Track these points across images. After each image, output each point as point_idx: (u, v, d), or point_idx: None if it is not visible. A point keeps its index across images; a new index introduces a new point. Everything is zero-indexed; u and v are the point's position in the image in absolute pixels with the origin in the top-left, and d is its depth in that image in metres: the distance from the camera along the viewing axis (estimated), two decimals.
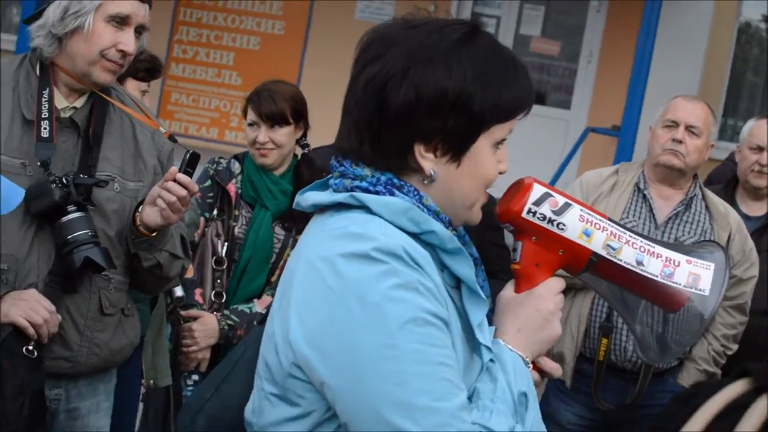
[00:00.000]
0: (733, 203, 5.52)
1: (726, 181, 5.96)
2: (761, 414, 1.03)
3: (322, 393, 2.09)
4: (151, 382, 4.55)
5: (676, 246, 2.47)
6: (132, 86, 4.79)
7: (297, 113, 4.85)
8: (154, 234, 3.61)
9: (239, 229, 4.82)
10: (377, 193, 2.17)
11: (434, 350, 2.04)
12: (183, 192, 3.49)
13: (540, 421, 2.23)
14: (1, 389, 3.30)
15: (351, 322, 2.03)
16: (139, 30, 3.65)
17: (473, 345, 2.19)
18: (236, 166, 4.91)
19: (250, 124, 4.86)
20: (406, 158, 2.18)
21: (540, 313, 2.31)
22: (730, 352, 5.07)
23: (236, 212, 4.83)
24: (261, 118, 4.81)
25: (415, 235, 2.14)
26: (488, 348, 2.20)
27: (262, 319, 2.57)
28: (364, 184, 2.19)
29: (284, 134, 4.82)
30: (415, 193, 2.19)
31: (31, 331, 3.41)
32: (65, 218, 3.48)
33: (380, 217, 2.14)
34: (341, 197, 2.19)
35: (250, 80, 14.00)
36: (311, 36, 14.16)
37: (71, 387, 3.70)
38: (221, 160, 4.94)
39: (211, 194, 4.83)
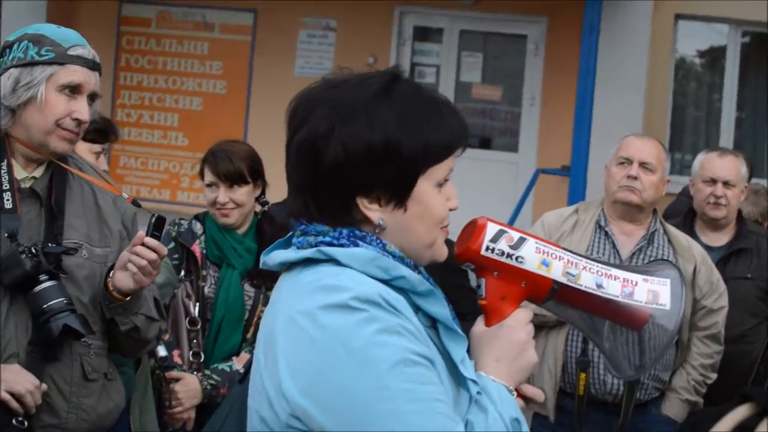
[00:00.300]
0: (693, 235, 5.59)
1: (683, 214, 6.03)
2: None
3: None
4: None
5: (631, 267, 2.60)
6: (83, 149, 4.69)
7: (254, 171, 4.86)
8: (128, 298, 3.61)
9: (208, 288, 4.81)
10: (341, 245, 2.22)
11: (426, 388, 2.10)
12: (153, 255, 3.52)
13: None
14: None
15: (340, 368, 2.08)
16: (92, 97, 3.66)
17: (458, 381, 2.25)
18: (198, 227, 4.91)
19: (208, 185, 4.86)
20: (351, 213, 2.24)
21: (514, 343, 2.37)
22: (710, 381, 5.13)
23: (204, 272, 4.83)
24: (219, 179, 4.81)
25: (385, 282, 2.19)
26: (474, 381, 2.25)
27: (242, 377, 2.62)
28: (327, 238, 2.24)
29: (243, 193, 4.83)
30: (378, 241, 2.24)
31: (14, 404, 3.39)
32: (38, 288, 3.48)
33: (350, 267, 2.18)
34: (308, 253, 2.23)
35: (196, 140, 14.04)
36: (253, 94, 14.18)
37: None
38: (182, 222, 4.93)
39: (176, 256, 4.82)
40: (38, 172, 3.66)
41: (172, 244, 4.82)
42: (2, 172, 3.55)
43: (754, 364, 5.03)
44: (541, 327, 5.05)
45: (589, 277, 2.43)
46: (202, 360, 4.80)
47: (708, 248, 5.45)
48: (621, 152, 5.14)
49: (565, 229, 5.08)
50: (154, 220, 3.58)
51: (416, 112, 2.24)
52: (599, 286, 2.43)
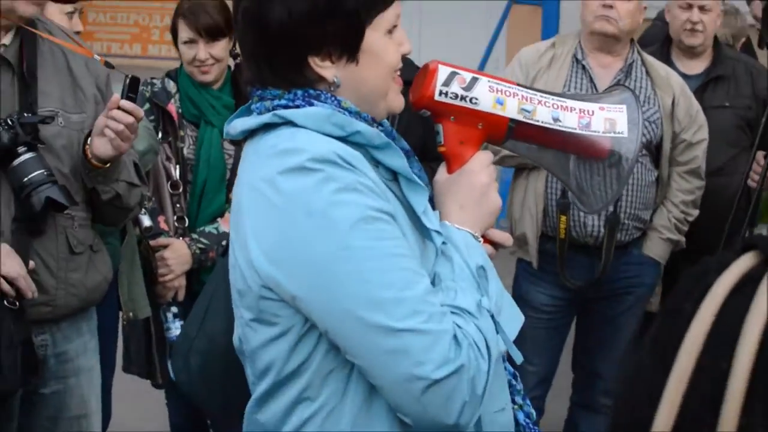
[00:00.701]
0: (669, 63, 5.53)
1: (660, 42, 5.96)
2: None
3: (295, 307, 2.16)
4: (130, 314, 4.49)
5: (586, 96, 2.61)
6: (53, 11, 4.53)
7: (228, 23, 4.69)
8: (107, 165, 3.55)
9: (187, 150, 4.73)
10: (297, 107, 2.23)
11: (388, 243, 2.11)
12: (130, 119, 3.45)
13: (503, 289, 2.31)
14: None
15: (302, 233, 2.10)
16: None
17: (423, 232, 2.26)
18: (171, 85, 4.79)
19: (185, 42, 4.71)
20: (304, 73, 2.24)
21: (476, 188, 2.38)
22: (691, 218, 5.12)
23: (181, 132, 4.74)
24: (200, 34, 4.67)
25: (342, 139, 2.20)
26: (438, 232, 2.26)
27: (224, 250, 2.63)
28: (283, 101, 2.25)
29: (222, 48, 4.70)
30: (333, 98, 2.25)
31: (5, 286, 3.37)
32: (17, 161, 3.43)
33: (306, 128, 2.19)
34: (266, 118, 2.24)
35: None
36: None
37: (55, 331, 3.69)
38: (155, 81, 4.82)
39: (152, 117, 4.70)
40: (7, 39, 3.57)
41: (147, 106, 4.68)
42: None
43: (734, 196, 5.07)
44: (521, 169, 5.05)
45: (545, 111, 2.43)
46: (186, 224, 4.75)
47: (685, 77, 5.37)
48: None
49: (542, 64, 5.02)
50: (128, 81, 3.51)
51: None
52: (555, 119, 2.43)
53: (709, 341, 1.04)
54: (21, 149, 3.43)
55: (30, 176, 3.42)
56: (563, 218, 4.92)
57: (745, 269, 1.09)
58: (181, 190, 4.73)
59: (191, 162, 4.73)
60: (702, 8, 5.65)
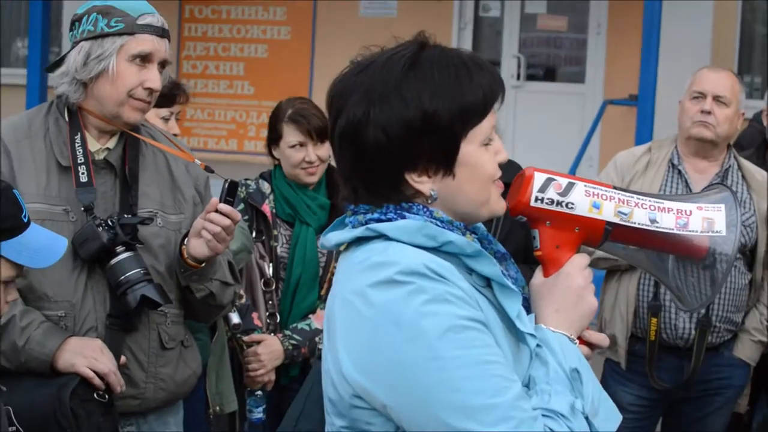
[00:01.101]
0: (766, 166, 5.49)
1: (757, 144, 5.92)
2: None
3: (386, 415, 2.18)
4: (217, 408, 4.58)
5: (684, 197, 2.62)
6: (150, 114, 4.66)
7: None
8: (202, 265, 3.63)
9: (281, 248, 4.83)
10: (390, 220, 2.27)
11: (477, 351, 2.13)
12: (227, 221, 3.53)
13: (600, 389, 2.30)
14: None
15: (393, 344, 2.13)
16: (162, 64, 3.67)
17: (517, 336, 2.27)
18: (266, 186, 4.91)
19: (293, 146, 4.80)
20: (401, 190, 2.28)
21: (572, 290, 2.38)
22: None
23: (275, 232, 4.84)
24: (310, 137, 4.77)
25: (434, 249, 2.23)
26: (532, 335, 2.27)
27: (320, 354, 2.67)
28: (375, 215, 2.29)
29: (327, 149, 4.77)
30: (425, 210, 2.28)
31: (97, 381, 3.44)
32: (115, 260, 3.51)
33: (398, 240, 2.23)
34: (359, 232, 2.28)
35: (262, 88, 14.06)
36: (318, 37, 14.14)
37: (142, 423, 3.75)
38: (249, 182, 4.93)
39: (246, 217, 4.81)
40: (111, 143, 3.68)
41: (242, 206, 4.80)
42: (77, 145, 3.58)
43: None
44: (613, 271, 5.04)
45: (642, 213, 2.43)
46: (278, 320, 4.83)
47: None
48: (694, 86, 5.06)
49: (638, 168, 5.02)
50: (227, 185, 3.58)
51: (446, 79, 2.25)
52: (653, 221, 2.43)
53: None
54: (119, 249, 3.52)
55: (127, 275, 3.51)
56: (654, 320, 4.90)
57: None
58: (273, 287, 4.82)
59: (284, 260, 4.81)
60: None
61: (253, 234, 4.81)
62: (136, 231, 3.58)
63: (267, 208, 4.85)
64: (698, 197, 2.56)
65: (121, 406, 3.58)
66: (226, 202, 3.55)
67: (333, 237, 2.37)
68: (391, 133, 2.22)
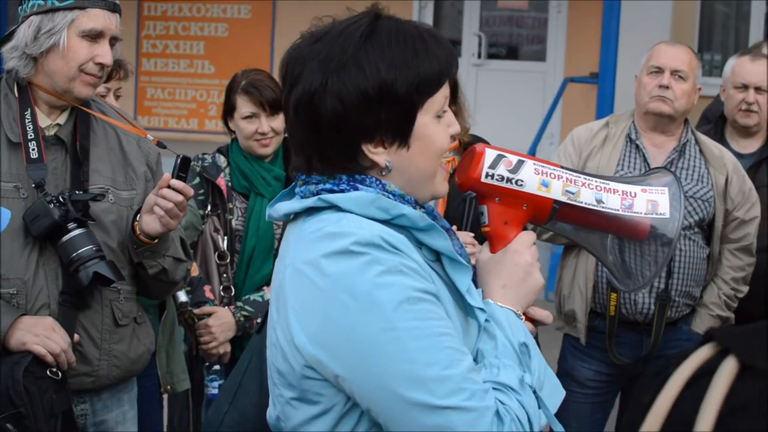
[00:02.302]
0: (723, 142, 5.52)
1: (714, 120, 5.94)
2: (729, 375, 1.05)
3: (338, 386, 2.19)
4: (169, 387, 4.57)
5: (629, 179, 2.65)
6: None
7: None
8: (155, 241, 3.62)
9: (236, 221, 4.83)
10: (342, 191, 2.27)
11: (432, 323, 2.14)
12: (179, 197, 3.52)
13: (545, 364, 2.34)
14: (33, 414, 3.32)
15: (348, 315, 2.13)
16: (113, 41, 3.65)
17: (466, 310, 2.30)
18: (222, 160, 4.89)
19: (246, 117, 4.80)
20: (357, 160, 2.27)
21: (520, 267, 2.43)
22: (741, 295, 5.09)
23: (230, 205, 4.83)
24: (263, 108, 4.76)
25: (386, 222, 2.23)
26: (481, 309, 2.30)
27: (259, 327, 2.67)
28: (328, 185, 2.28)
29: (281, 120, 4.77)
30: (378, 182, 2.29)
31: (50, 358, 3.43)
32: (67, 236, 3.49)
33: (350, 212, 2.23)
34: (310, 202, 2.27)
35: (222, 67, 14.00)
36: (278, 16, 14.11)
37: (96, 400, 3.74)
38: (205, 156, 4.91)
39: (201, 191, 4.81)
40: (62, 119, 3.66)
41: (197, 180, 4.81)
42: (26, 121, 3.56)
43: None
44: (571, 247, 5.04)
45: (589, 193, 2.47)
46: (233, 293, 4.83)
47: (738, 155, 5.36)
48: (651, 61, 5.06)
49: (595, 143, 5.03)
50: (179, 161, 3.56)
51: (403, 50, 2.25)
52: (599, 201, 2.48)
53: None
54: (71, 225, 3.50)
55: (79, 251, 3.48)
56: (614, 296, 4.92)
57: (701, 361, 1.08)
58: (228, 260, 4.81)
59: (239, 233, 4.82)
60: (758, 89, 5.62)
61: (208, 207, 4.81)
62: (88, 207, 3.56)
63: (222, 181, 4.85)
64: (643, 179, 2.60)
65: (75, 383, 3.58)
66: (178, 177, 3.54)
67: (282, 207, 2.35)
68: (348, 102, 2.21)
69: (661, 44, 5.18)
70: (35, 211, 3.48)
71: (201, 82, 14.45)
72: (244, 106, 4.81)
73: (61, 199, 3.48)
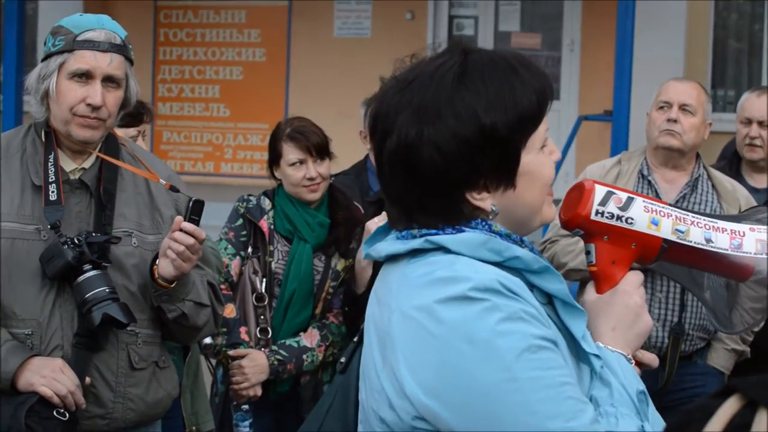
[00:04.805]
0: (738, 178, 5.52)
1: (729, 156, 5.96)
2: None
3: None
4: (194, 428, 4.57)
5: (735, 217, 2.54)
6: (118, 135, 4.68)
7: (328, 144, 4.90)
8: (172, 285, 3.61)
9: (276, 264, 4.85)
10: (447, 233, 2.15)
11: (553, 372, 2.04)
12: (190, 240, 3.49)
13: (656, 412, 2.25)
14: None
15: (465, 363, 2.02)
16: (111, 80, 3.62)
17: (579, 356, 2.19)
18: (266, 203, 4.93)
19: (293, 164, 4.84)
20: (461, 209, 2.16)
21: (630, 309, 2.33)
22: (757, 328, 5.06)
23: (271, 247, 4.86)
24: (310, 154, 4.81)
25: (498, 264, 2.12)
26: (597, 356, 2.20)
27: (344, 367, 2.56)
28: (433, 231, 2.16)
29: (327, 166, 4.86)
30: (483, 223, 2.17)
31: (56, 400, 3.43)
32: (82, 277, 3.50)
33: (460, 254, 2.11)
34: (416, 243, 2.15)
35: (237, 110, 14.06)
36: (293, 59, 14.16)
37: None
38: (251, 198, 4.96)
39: (244, 232, 4.86)
40: (87, 163, 3.68)
41: (240, 221, 4.88)
42: (49, 164, 3.58)
43: None
44: (586, 282, 5.03)
45: (698, 232, 2.39)
46: (270, 336, 4.84)
47: (753, 190, 5.38)
48: (660, 96, 5.12)
49: (608, 180, 5.01)
50: (191, 204, 3.57)
51: (498, 87, 2.12)
52: (708, 240, 2.39)
53: None
54: (86, 267, 3.50)
55: (92, 292, 3.48)
56: None
57: (730, 416, 1.05)
58: (266, 302, 4.83)
59: (278, 276, 4.84)
60: (761, 123, 5.64)
61: (249, 249, 4.84)
62: (106, 250, 3.56)
63: (265, 223, 4.88)
64: (745, 217, 2.52)
65: (89, 425, 3.57)
66: (190, 220, 3.53)
67: (383, 248, 2.23)
68: (447, 151, 2.08)
69: (670, 80, 5.23)
70: (50, 252, 3.50)
71: (216, 126, 14.49)
72: (291, 152, 4.84)
73: (76, 241, 3.49)
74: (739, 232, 2.42)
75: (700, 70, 12.59)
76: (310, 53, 13.63)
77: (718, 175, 5.12)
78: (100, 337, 3.58)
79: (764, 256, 2.42)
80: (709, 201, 4.99)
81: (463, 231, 2.14)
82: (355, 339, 2.46)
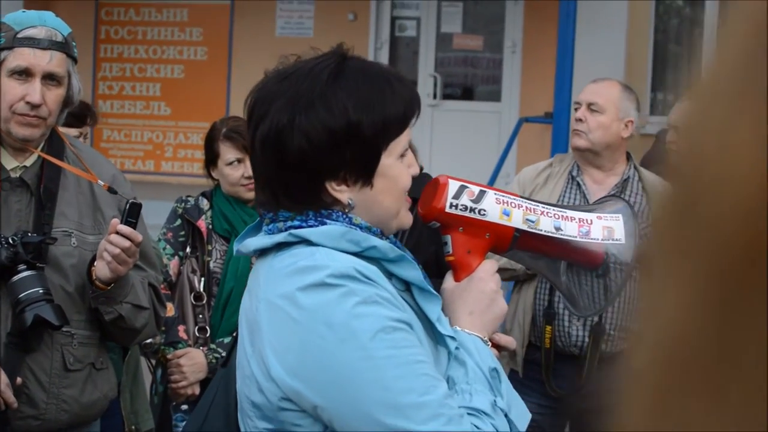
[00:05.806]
0: None
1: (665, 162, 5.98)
2: None
3: (316, 417, 2.22)
4: (133, 427, 4.56)
5: (583, 207, 2.71)
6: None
7: None
8: (110, 287, 3.57)
9: (214, 263, 4.86)
10: (310, 226, 2.31)
11: (407, 351, 2.20)
12: (126, 243, 3.45)
13: (512, 389, 2.41)
14: None
15: (325, 345, 2.17)
16: (51, 78, 3.60)
17: (436, 338, 2.35)
18: (204, 203, 4.94)
19: (230, 163, 4.86)
20: (321, 197, 2.32)
21: (485, 294, 2.50)
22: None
23: (209, 247, 4.87)
24: (247, 152, 4.76)
25: (357, 254, 2.28)
26: (452, 337, 2.36)
27: (225, 361, 2.69)
28: (296, 222, 2.32)
29: None
30: (344, 216, 2.33)
31: None
32: (15, 278, 3.46)
33: (322, 245, 2.27)
34: (281, 237, 2.30)
35: (178, 109, 14.02)
36: (234, 58, 14.16)
37: None
38: (189, 199, 4.97)
39: (182, 233, 4.87)
40: (29, 162, 3.65)
41: (179, 221, 4.89)
42: None
43: None
44: (517, 283, 5.08)
45: (548, 221, 2.55)
46: (208, 335, 4.85)
47: None
48: (576, 98, 5.18)
49: (538, 182, 5.06)
50: (128, 206, 3.53)
51: (370, 91, 2.31)
52: (557, 228, 2.55)
53: None
54: (21, 267, 3.47)
55: (25, 293, 3.45)
56: (548, 328, 4.94)
57: None
58: (204, 301, 4.85)
59: (217, 275, 4.85)
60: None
61: (188, 249, 4.87)
62: (43, 250, 3.54)
63: (203, 223, 4.89)
64: (596, 208, 2.68)
65: (21, 425, 3.55)
66: (127, 223, 3.49)
67: (251, 243, 2.38)
68: (315, 140, 2.26)
69: (590, 82, 5.25)
70: None
71: (157, 124, 14.44)
72: (228, 152, 4.86)
73: (11, 241, 3.47)
74: (587, 220, 2.58)
75: (641, 74, 12.71)
76: (251, 52, 13.61)
77: (649, 176, 5.11)
78: (33, 338, 3.55)
79: (611, 241, 2.57)
80: (638, 202, 4.99)
81: (326, 224, 2.30)
82: (235, 334, 2.60)
